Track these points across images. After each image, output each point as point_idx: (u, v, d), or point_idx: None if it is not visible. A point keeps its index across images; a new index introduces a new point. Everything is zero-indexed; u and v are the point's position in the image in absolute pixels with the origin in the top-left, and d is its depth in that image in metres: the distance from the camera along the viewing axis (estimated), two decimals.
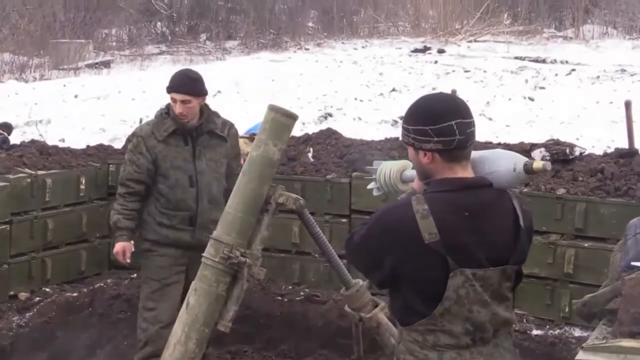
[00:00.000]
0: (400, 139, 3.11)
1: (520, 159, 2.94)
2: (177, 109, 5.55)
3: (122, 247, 5.64)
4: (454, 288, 2.82)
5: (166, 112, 5.65)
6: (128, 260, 5.70)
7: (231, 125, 5.88)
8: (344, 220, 7.06)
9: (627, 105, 7.88)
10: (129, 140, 5.79)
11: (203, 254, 3.99)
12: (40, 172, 7.16)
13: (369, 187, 3.66)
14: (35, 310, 6.84)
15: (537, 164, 2.92)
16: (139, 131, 5.77)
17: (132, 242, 5.71)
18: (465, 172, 2.92)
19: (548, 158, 6.89)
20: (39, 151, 7.80)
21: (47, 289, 7.18)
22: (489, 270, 2.86)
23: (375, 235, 2.93)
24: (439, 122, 2.84)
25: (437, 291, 2.82)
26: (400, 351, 3.00)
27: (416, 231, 2.80)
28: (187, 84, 5.61)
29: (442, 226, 2.80)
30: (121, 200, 5.65)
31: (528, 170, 2.91)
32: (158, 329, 5.57)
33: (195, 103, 5.59)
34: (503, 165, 2.94)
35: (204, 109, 5.69)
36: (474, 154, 3.01)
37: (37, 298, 6.99)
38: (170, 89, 5.62)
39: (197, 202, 5.63)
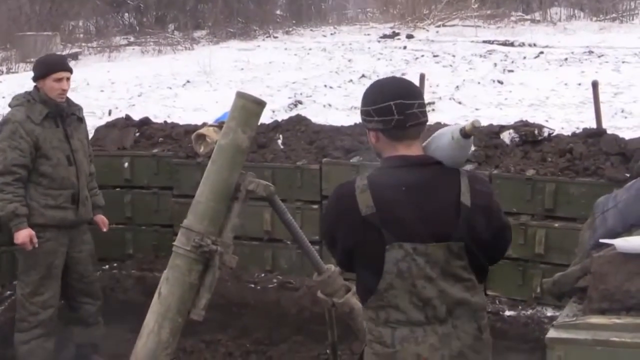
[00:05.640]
0: None
1: (457, 127, 3.04)
2: (63, 86, 5.78)
3: (29, 234, 5.72)
4: (393, 262, 2.90)
5: (33, 98, 5.82)
6: (36, 245, 5.77)
7: (81, 109, 6.17)
8: (315, 206, 7.03)
9: (594, 85, 7.94)
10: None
11: (174, 243, 3.96)
12: None
13: None
14: (6, 304, 6.81)
15: (469, 124, 3.01)
16: (12, 117, 5.81)
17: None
18: (408, 151, 3.01)
19: (517, 139, 6.92)
20: None
21: None
22: (431, 246, 2.92)
23: (327, 214, 3.13)
24: (378, 103, 3.00)
25: (380, 266, 2.92)
26: (365, 331, 3.09)
27: (355, 205, 2.93)
28: (66, 63, 5.94)
29: (379, 200, 2.92)
30: (10, 188, 5.70)
31: (464, 134, 3.01)
32: (50, 313, 5.93)
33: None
34: (444, 138, 3.05)
35: None
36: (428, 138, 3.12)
37: (8, 292, 6.95)
38: (53, 70, 5.79)
39: (78, 179, 5.91)
